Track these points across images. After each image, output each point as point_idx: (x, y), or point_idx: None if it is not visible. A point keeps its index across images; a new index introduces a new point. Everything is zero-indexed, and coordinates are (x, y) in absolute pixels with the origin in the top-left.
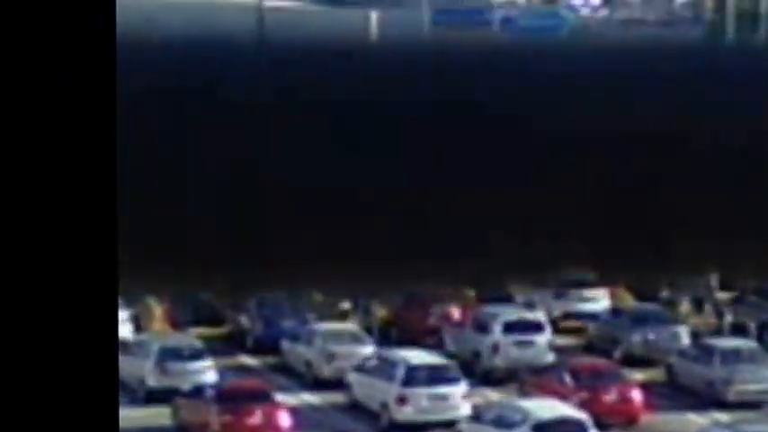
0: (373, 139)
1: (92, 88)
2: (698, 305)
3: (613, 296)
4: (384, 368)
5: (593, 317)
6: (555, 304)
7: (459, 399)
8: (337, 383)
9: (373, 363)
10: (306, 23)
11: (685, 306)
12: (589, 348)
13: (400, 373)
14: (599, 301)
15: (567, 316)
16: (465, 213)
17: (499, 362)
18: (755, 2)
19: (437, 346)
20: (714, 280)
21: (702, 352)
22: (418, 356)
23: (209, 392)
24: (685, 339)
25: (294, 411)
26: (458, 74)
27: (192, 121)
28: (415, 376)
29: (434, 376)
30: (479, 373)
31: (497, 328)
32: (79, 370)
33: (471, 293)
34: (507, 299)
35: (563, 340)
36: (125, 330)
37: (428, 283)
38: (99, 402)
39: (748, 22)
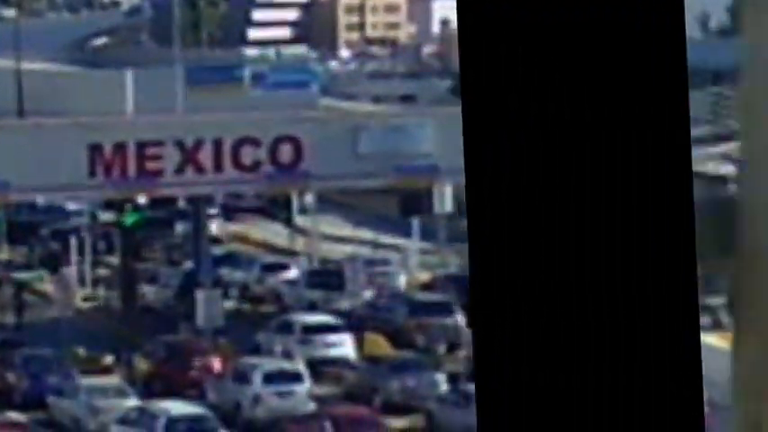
0: None
1: None
2: (451, 349)
3: (372, 344)
4: (145, 420)
5: (342, 362)
6: (300, 350)
7: None
8: None
9: (135, 415)
10: (63, 86)
11: (441, 351)
12: (349, 397)
13: (161, 424)
14: (344, 345)
15: (315, 362)
16: None
17: (260, 412)
18: None
19: (199, 398)
20: (462, 320)
21: (461, 397)
22: (178, 408)
23: None
24: (443, 385)
25: None
26: None
27: None
28: (175, 428)
29: (194, 427)
30: (241, 424)
31: (258, 379)
32: None
33: (231, 345)
34: (267, 350)
35: (323, 389)
36: None
37: None
38: None
39: None
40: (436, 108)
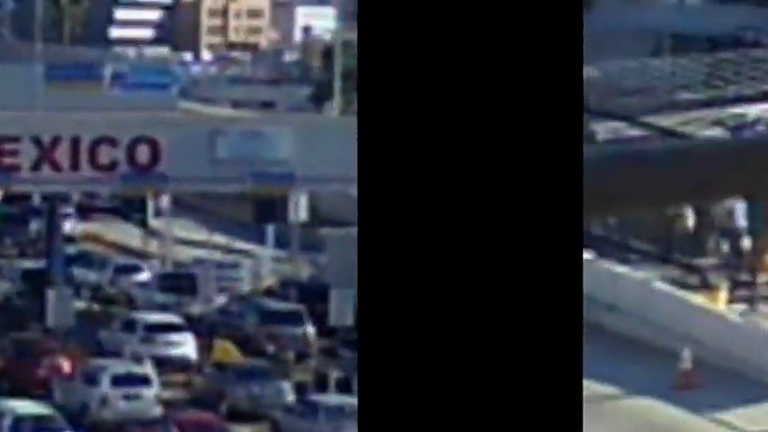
0: None
1: None
2: (300, 358)
3: (221, 350)
4: None
5: (186, 364)
6: (142, 349)
7: None
8: None
9: None
10: None
11: (290, 360)
12: (196, 402)
13: (6, 424)
14: (186, 345)
15: (160, 363)
16: None
17: (108, 414)
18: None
19: (47, 398)
20: (311, 330)
21: (307, 408)
22: (25, 407)
23: None
24: (290, 395)
25: None
26: None
27: None
28: (21, 427)
29: (40, 427)
30: (88, 426)
31: (106, 381)
32: None
33: (81, 346)
34: (110, 348)
35: (170, 394)
36: None
37: None
38: None
39: (354, 81)
40: (295, 115)
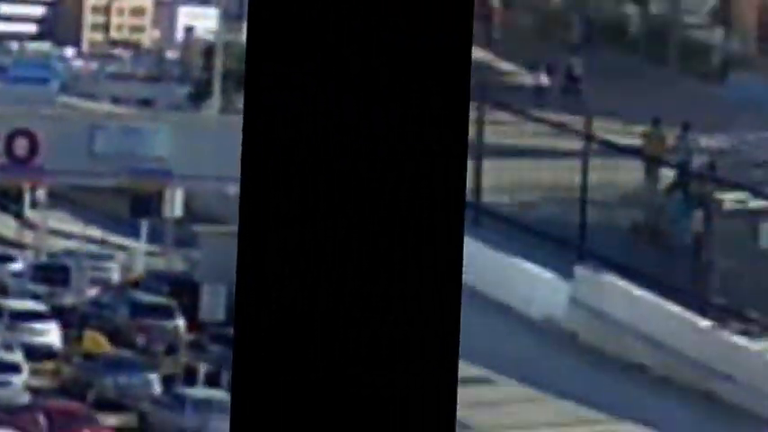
0: None
1: None
2: (169, 351)
3: (91, 341)
4: None
5: (50, 351)
6: (8, 336)
7: None
8: None
9: None
10: None
11: (159, 352)
12: (63, 391)
13: None
14: (50, 334)
15: (26, 349)
16: None
17: None
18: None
19: None
20: (182, 322)
21: (174, 400)
22: None
23: None
24: (157, 387)
25: None
26: None
27: None
28: None
29: None
30: None
31: None
32: None
33: None
34: None
35: (38, 382)
36: None
37: None
38: None
39: (234, 82)
40: (174, 113)
